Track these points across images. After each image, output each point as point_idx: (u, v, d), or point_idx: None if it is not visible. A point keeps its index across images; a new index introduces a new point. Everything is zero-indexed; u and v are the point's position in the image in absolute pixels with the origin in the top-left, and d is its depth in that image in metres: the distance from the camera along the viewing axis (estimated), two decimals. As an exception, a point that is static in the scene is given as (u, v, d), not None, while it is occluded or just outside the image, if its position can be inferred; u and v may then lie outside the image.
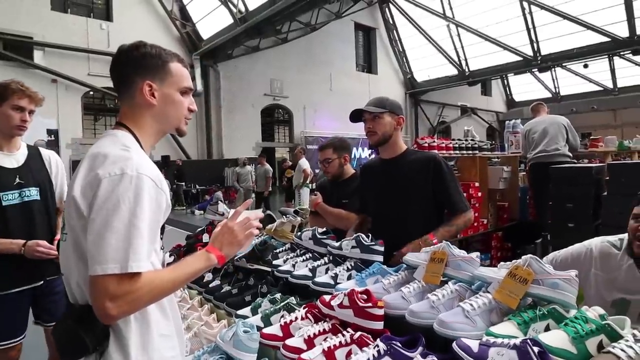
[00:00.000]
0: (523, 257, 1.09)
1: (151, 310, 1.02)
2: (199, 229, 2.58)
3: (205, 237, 2.45)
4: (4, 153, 1.92)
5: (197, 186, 13.31)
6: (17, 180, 1.90)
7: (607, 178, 3.22)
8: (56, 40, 11.58)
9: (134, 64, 1.07)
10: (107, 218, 0.90)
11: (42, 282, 2.00)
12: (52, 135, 11.52)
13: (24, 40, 11.26)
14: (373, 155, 2.28)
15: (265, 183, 10.05)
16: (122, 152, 0.98)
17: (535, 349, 0.83)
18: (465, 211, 1.91)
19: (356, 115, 2.00)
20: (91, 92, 12.52)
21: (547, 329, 0.99)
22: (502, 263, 1.18)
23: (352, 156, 18.77)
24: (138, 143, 1.06)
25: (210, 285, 1.89)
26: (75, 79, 11.85)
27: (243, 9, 12.84)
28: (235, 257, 2.01)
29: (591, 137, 5.49)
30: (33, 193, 1.95)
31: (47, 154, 2.11)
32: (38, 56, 11.51)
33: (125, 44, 1.10)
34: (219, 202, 2.69)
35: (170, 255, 2.37)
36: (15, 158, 1.95)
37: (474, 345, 0.91)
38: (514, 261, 1.12)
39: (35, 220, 1.95)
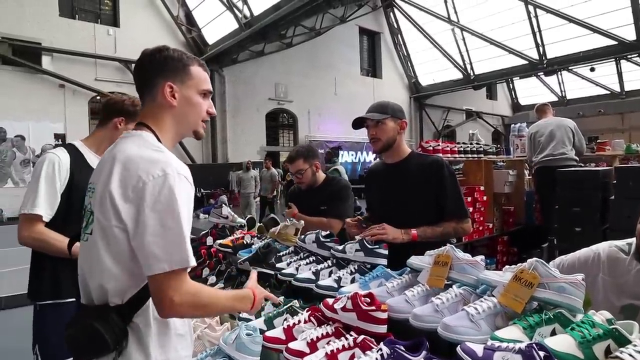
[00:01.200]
0: (528, 260, 1.07)
1: None
2: (203, 232, 2.58)
3: (209, 240, 2.46)
4: (97, 157, 1.91)
5: (202, 190, 13.36)
6: None
7: (615, 182, 3.19)
8: (64, 46, 11.74)
9: (157, 67, 1.10)
10: (161, 219, 0.94)
11: None
12: (60, 140, 11.65)
13: (32, 45, 11.43)
14: (377, 160, 2.28)
15: (272, 187, 10.00)
16: (157, 154, 1.01)
17: (541, 353, 0.81)
18: (460, 219, 1.88)
19: (358, 122, 1.99)
20: (98, 97, 12.65)
21: (553, 333, 0.97)
22: (507, 267, 1.16)
23: (357, 160, 18.62)
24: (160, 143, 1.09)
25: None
26: (83, 84, 11.99)
27: (248, 14, 12.94)
28: (239, 260, 2.02)
29: (598, 141, 5.44)
30: None
31: None
32: (46, 61, 11.67)
33: (148, 48, 1.13)
34: (223, 205, 2.68)
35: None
36: None
37: (479, 349, 0.90)
38: (519, 264, 1.10)
39: None
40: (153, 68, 1.11)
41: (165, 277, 0.93)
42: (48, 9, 11.68)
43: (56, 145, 11.01)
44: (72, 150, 1.83)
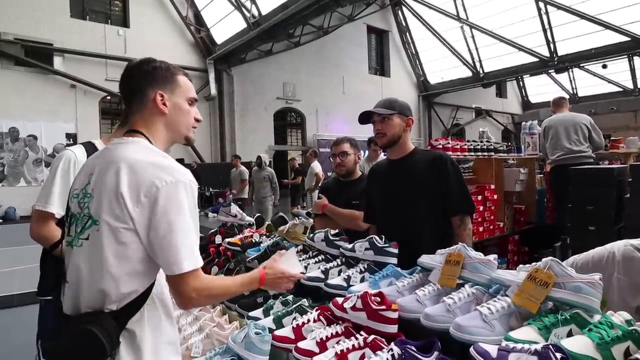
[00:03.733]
0: (543, 259, 1.05)
1: (163, 318, 1.07)
2: (211, 231, 2.59)
3: (218, 239, 2.46)
4: None
5: (211, 189, 13.43)
6: None
7: (630, 179, 3.12)
8: (75, 47, 11.87)
9: (146, 76, 1.15)
10: (174, 223, 0.99)
11: None
12: (71, 139, 11.81)
13: (44, 46, 11.58)
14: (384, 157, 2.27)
15: (241, 187, 9.06)
16: (165, 160, 1.06)
17: (558, 355, 0.79)
18: (464, 214, 1.90)
19: (365, 117, 1.99)
20: (108, 97, 12.77)
21: (569, 334, 0.95)
22: (521, 266, 1.14)
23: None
24: None
25: (223, 287, 1.88)
26: (93, 84, 12.12)
27: (256, 14, 12.97)
28: (247, 259, 2.02)
29: (612, 139, 5.33)
30: None
31: None
32: (58, 62, 11.83)
33: (132, 61, 1.19)
34: (232, 204, 2.70)
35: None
36: None
37: (493, 350, 0.88)
38: (533, 264, 1.08)
39: None
40: (143, 77, 1.15)
41: (182, 277, 1.00)
42: (59, 10, 11.82)
43: (67, 145, 11.23)
44: (91, 148, 1.82)
